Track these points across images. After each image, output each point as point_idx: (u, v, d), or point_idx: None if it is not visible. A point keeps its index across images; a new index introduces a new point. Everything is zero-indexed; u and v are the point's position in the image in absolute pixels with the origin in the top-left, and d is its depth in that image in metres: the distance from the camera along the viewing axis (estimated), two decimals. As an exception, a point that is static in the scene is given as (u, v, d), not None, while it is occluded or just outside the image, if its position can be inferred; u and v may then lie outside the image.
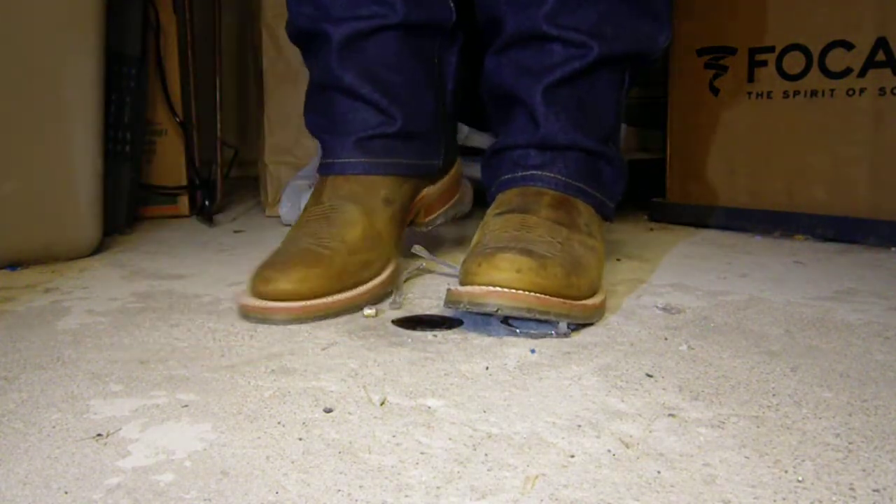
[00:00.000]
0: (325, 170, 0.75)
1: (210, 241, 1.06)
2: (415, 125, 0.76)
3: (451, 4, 0.77)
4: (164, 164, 1.27)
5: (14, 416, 0.44)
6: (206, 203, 1.27)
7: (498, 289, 0.55)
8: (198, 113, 1.30)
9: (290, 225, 1.18)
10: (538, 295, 0.56)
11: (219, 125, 1.32)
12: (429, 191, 0.81)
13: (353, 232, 0.69)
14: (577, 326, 0.59)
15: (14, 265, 0.87)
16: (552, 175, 0.69)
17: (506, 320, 0.60)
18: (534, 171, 0.69)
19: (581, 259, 0.62)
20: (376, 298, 0.68)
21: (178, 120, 1.25)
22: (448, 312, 0.64)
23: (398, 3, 0.73)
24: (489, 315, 0.59)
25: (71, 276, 0.82)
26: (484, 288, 0.56)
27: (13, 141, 0.84)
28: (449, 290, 0.58)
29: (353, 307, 0.65)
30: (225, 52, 1.40)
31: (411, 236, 0.87)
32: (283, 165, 1.28)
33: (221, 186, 1.33)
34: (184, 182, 1.29)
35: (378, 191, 0.73)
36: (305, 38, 0.77)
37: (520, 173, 0.70)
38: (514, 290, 0.56)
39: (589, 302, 0.60)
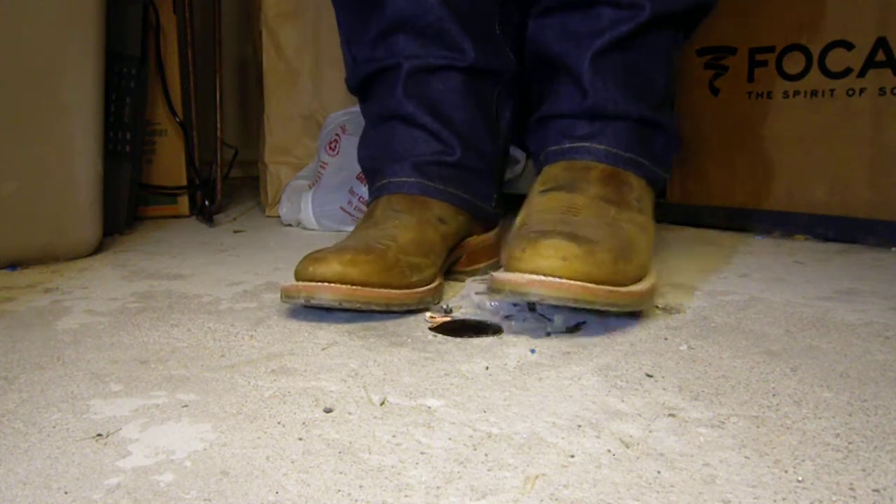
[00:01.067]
0: (377, 192, 0.75)
1: (210, 241, 1.06)
2: (471, 161, 0.76)
3: (512, 56, 0.79)
4: (164, 164, 1.27)
5: (14, 416, 0.44)
6: (206, 203, 1.27)
7: (542, 277, 0.53)
8: (198, 113, 1.30)
9: (290, 225, 1.18)
10: (584, 284, 0.53)
11: (219, 125, 1.32)
12: (477, 239, 0.79)
13: (406, 235, 0.67)
14: (578, 323, 0.59)
15: (14, 265, 0.87)
16: (601, 147, 0.65)
17: (532, 306, 0.59)
18: (581, 143, 0.66)
19: (630, 241, 0.59)
20: (423, 304, 0.66)
21: (178, 120, 1.25)
22: (485, 317, 0.63)
23: (468, 49, 0.74)
24: (532, 303, 0.58)
25: (71, 276, 0.82)
26: (527, 276, 0.53)
27: (13, 141, 0.84)
28: (492, 275, 0.56)
29: (399, 305, 0.63)
30: (225, 53, 1.40)
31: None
32: (283, 165, 1.28)
33: (221, 186, 1.33)
34: (184, 182, 1.29)
35: (433, 209, 0.72)
36: (371, 79, 0.78)
37: (567, 144, 0.67)
38: (558, 280, 0.53)
39: (636, 288, 0.57)
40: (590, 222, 0.58)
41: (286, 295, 0.62)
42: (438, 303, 0.68)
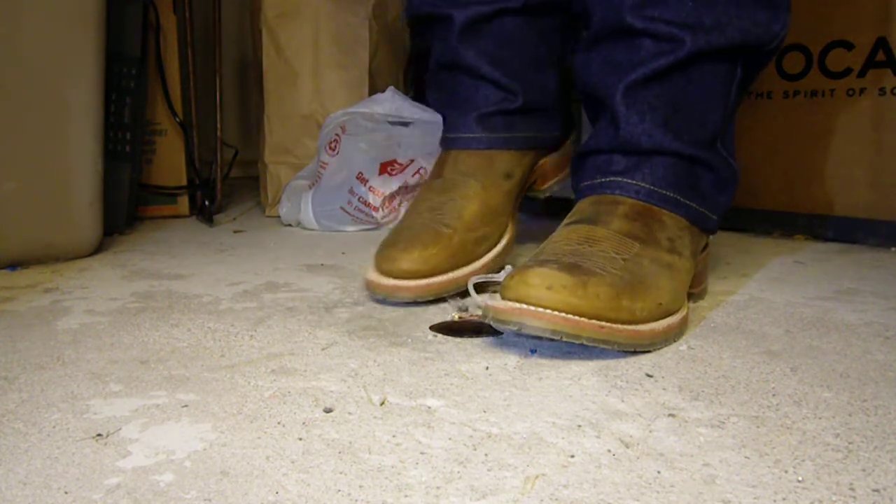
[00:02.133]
0: (447, 144, 0.79)
1: (210, 241, 1.06)
2: (535, 102, 0.79)
3: None
4: (164, 164, 1.27)
5: (14, 416, 0.44)
6: (206, 203, 1.27)
7: (523, 306, 0.51)
8: (198, 113, 1.30)
9: (290, 225, 1.18)
10: (567, 316, 0.51)
11: (219, 125, 1.32)
12: (546, 160, 0.83)
13: (470, 207, 0.72)
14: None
15: (14, 265, 0.87)
16: (633, 182, 0.62)
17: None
18: (614, 178, 0.63)
19: (646, 279, 0.56)
20: (492, 271, 0.71)
21: (178, 120, 1.25)
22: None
23: None
24: (517, 334, 0.57)
25: (71, 276, 0.82)
26: (510, 304, 0.52)
27: (13, 141, 0.84)
28: (485, 303, 0.55)
29: (465, 284, 0.67)
30: (225, 52, 1.40)
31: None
32: (283, 165, 1.28)
33: (221, 186, 1.33)
34: (184, 182, 1.29)
35: (498, 165, 0.76)
36: (426, 20, 0.80)
37: (599, 179, 0.64)
38: (539, 310, 0.51)
39: (643, 327, 0.54)
40: (603, 255, 0.56)
41: (369, 289, 0.69)
42: (504, 267, 0.68)
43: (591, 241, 0.57)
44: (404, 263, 0.66)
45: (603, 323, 0.52)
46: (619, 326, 0.53)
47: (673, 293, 0.58)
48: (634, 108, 0.63)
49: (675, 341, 0.57)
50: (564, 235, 0.59)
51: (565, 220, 0.63)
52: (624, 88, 0.63)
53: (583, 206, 0.63)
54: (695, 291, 0.67)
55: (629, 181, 0.63)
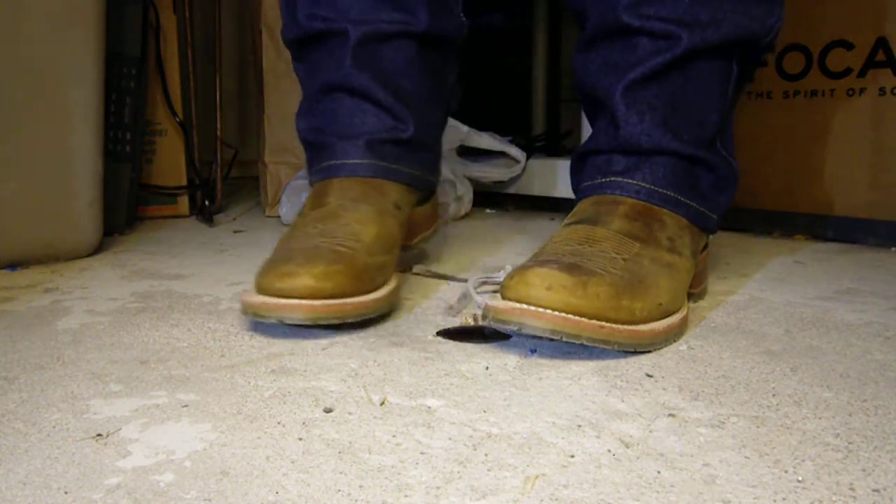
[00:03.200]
0: (328, 172, 0.70)
1: (210, 241, 1.06)
2: (423, 135, 0.74)
3: (464, 19, 0.77)
4: (164, 164, 1.27)
5: (14, 416, 0.44)
6: (206, 203, 1.27)
7: (523, 306, 0.51)
8: (198, 113, 1.30)
9: (290, 225, 1.18)
10: (567, 316, 0.51)
11: (219, 125, 1.32)
12: (418, 210, 0.76)
13: (369, 231, 0.64)
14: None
15: (14, 265, 0.87)
16: (634, 182, 0.62)
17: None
18: (614, 178, 0.63)
19: (645, 278, 0.55)
20: (393, 305, 0.65)
21: (178, 120, 1.25)
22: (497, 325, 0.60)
23: (422, 12, 0.71)
24: (517, 334, 0.57)
25: (71, 276, 0.82)
26: (510, 304, 0.52)
27: (13, 141, 0.84)
28: (486, 303, 0.54)
29: (373, 311, 0.61)
30: (225, 52, 1.40)
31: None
32: (283, 165, 1.28)
33: (221, 186, 1.33)
34: (184, 182, 1.29)
35: (390, 195, 0.70)
36: (312, 40, 0.73)
37: (599, 179, 0.64)
38: (539, 310, 0.51)
39: (643, 328, 0.54)
40: (605, 255, 0.56)
41: (253, 312, 0.57)
42: (397, 305, 0.66)
43: (591, 242, 0.57)
44: (305, 279, 0.56)
45: (603, 323, 0.52)
46: (619, 326, 0.53)
47: (673, 293, 0.57)
48: (634, 108, 0.63)
49: (675, 341, 0.57)
50: (564, 236, 0.59)
51: (565, 221, 0.63)
52: (623, 89, 0.63)
53: (583, 207, 0.63)
54: (695, 291, 0.67)
55: (629, 181, 0.62)
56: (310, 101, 0.75)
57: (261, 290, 0.58)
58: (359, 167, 0.70)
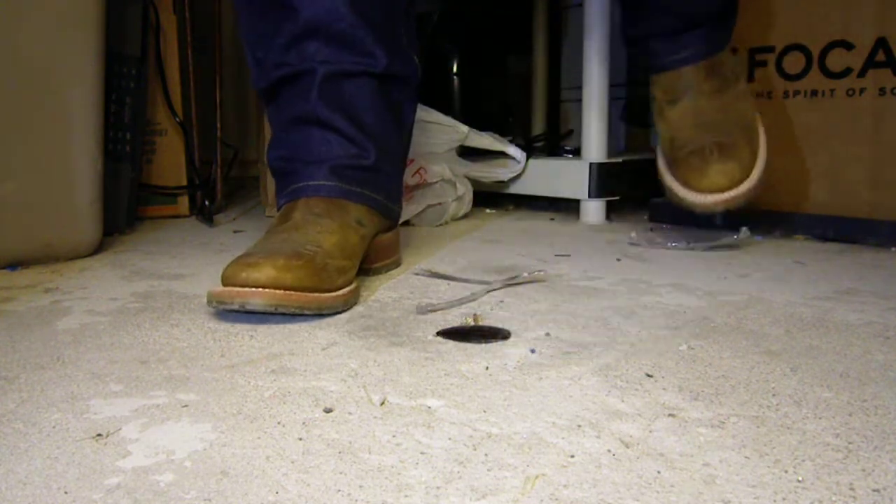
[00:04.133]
0: (293, 195, 0.75)
1: (210, 241, 1.06)
2: (385, 163, 0.79)
3: (418, 63, 0.82)
4: (164, 164, 1.27)
5: (14, 416, 0.44)
6: (206, 203, 1.27)
7: (719, 195, 0.89)
8: (198, 113, 1.30)
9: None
10: (738, 189, 0.88)
11: (219, 125, 1.32)
12: (381, 238, 0.80)
13: (330, 239, 0.69)
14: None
15: (14, 265, 0.87)
16: (694, 46, 0.93)
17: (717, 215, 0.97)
18: (674, 55, 0.94)
19: (748, 122, 0.95)
20: (348, 305, 0.67)
21: (178, 120, 1.25)
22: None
23: (381, 56, 0.76)
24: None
25: (71, 276, 0.82)
26: (721, 194, 0.88)
27: (13, 141, 0.84)
28: (673, 191, 0.89)
29: (329, 308, 0.65)
30: (225, 53, 1.40)
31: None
32: (283, 165, 1.28)
33: (221, 186, 1.33)
34: (184, 182, 1.29)
35: (351, 212, 0.74)
36: (282, 83, 0.78)
37: (665, 58, 0.95)
38: (731, 191, 0.86)
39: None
40: (721, 120, 0.86)
41: (217, 300, 0.62)
42: (355, 303, 0.69)
43: (715, 111, 0.91)
44: (268, 270, 0.61)
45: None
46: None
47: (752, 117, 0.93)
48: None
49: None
50: (705, 98, 0.92)
51: (665, 98, 0.94)
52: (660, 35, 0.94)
53: (686, 74, 0.93)
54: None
55: (685, 47, 0.93)
56: (279, 133, 0.80)
57: (225, 281, 0.62)
58: (322, 188, 0.74)
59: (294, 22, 0.75)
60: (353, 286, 0.69)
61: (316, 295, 0.63)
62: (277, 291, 0.61)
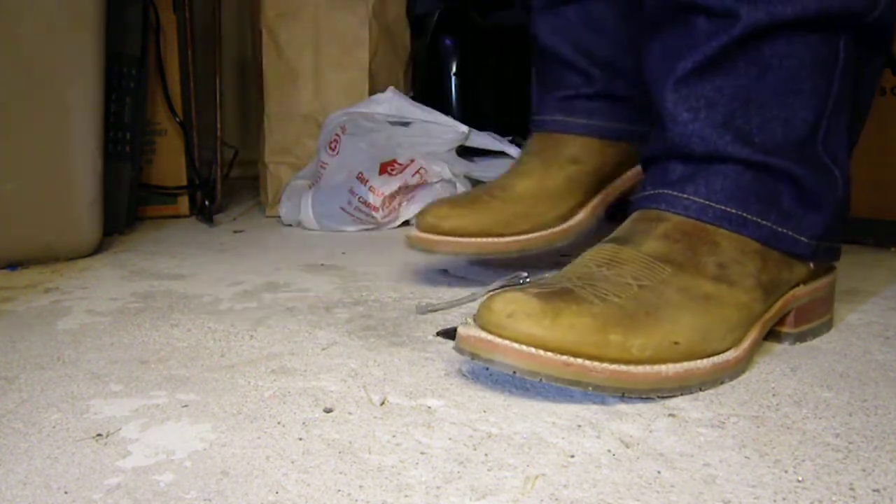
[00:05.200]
0: (530, 126, 0.78)
1: (210, 241, 1.06)
2: (620, 89, 0.75)
3: None
4: (164, 164, 1.27)
5: (14, 416, 0.44)
6: (206, 203, 1.27)
7: (482, 335, 0.45)
8: (198, 113, 1.30)
9: (290, 225, 1.18)
10: (523, 349, 0.44)
11: (219, 125, 1.32)
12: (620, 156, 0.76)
13: (523, 182, 0.71)
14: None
15: (14, 265, 0.87)
16: (684, 196, 0.53)
17: None
18: (664, 190, 0.54)
19: (658, 310, 0.47)
20: (534, 248, 0.72)
21: (178, 120, 1.25)
22: None
23: None
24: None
25: (71, 276, 0.82)
26: (473, 332, 0.46)
27: (13, 141, 0.84)
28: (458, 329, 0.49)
29: (510, 252, 0.69)
30: (225, 52, 1.40)
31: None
32: (283, 165, 1.28)
33: (221, 186, 1.33)
34: (184, 182, 1.29)
35: (566, 149, 0.74)
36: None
37: (649, 191, 0.55)
38: (493, 339, 0.44)
39: (639, 369, 0.45)
40: (616, 281, 0.48)
41: (408, 244, 0.71)
42: (566, 243, 0.73)
43: (613, 264, 0.50)
44: (429, 217, 0.69)
45: (570, 359, 0.44)
46: (597, 365, 0.44)
47: (702, 331, 0.48)
48: (685, 104, 0.53)
49: (707, 389, 0.47)
50: (589, 257, 0.52)
51: (603, 239, 0.56)
52: (675, 80, 0.54)
53: (626, 223, 0.55)
54: (789, 331, 0.56)
55: (679, 194, 0.53)
56: (534, 58, 0.81)
57: (417, 227, 0.72)
58: (545, 123, 0.76)
59: None
60: (545, 233, 0.74)
61: (495, 240, 0.72)
62: (458, 239, 0.71)
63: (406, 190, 1.14)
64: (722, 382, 0.48)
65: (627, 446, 0.40)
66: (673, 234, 0.52)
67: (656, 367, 0.46)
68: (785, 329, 0.56)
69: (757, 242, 0.52)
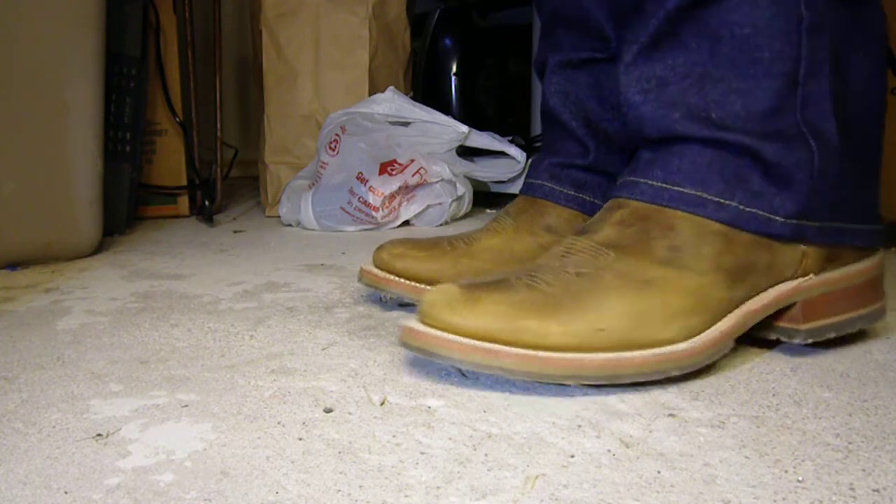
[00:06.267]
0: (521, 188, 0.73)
1: (210, 241, 1.06)
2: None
3: None
4: (164, 164, 1.27)
5: (14, 416, 0.44)
6: (206, 203, 1.27)
7: (414, 325, 0.47)
8: (198, 113, 1.30)
9: (290, 225, 1.18)
10: (440, 335, 0.45)
11: (219, 125, 1.32)
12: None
13: (490, 240, 0.66)
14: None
15: (14, 265, 0.87)
16: (643, 180, 0.51)
17: None
18: (629, 177, 0.53)
19: (586, 297, 0.46)
20: None
21: (178, 120, 1.25)
22: None
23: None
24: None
25: (71, 276, 0.82)
26: (404, 322, 0.48)
27: (13, 141, 0.84)
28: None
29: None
30: (225, 52, 1.40)
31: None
32: (283, 165, 1.28)
33: (221, 186, 1.33)
34: (184, 182, 1.29)
35: (545, 216, 0.67)
36: (539, 71, 0.74)
37: (619, 181, 0.54)
38: (416, 326, 0.47)
39: (557, 355, 0.45)
40: (557, 269, 0.48)
41: (362, 277, 0.68)
42: None
43: (566, 255, 0.50)
44: (383, 254, 0.66)
45: (481, 343, 0.45)
46: (504, 349, 0.45)
47: (634, 318, 0.46)
48: (636, 87, 0.52)
49: (644, 380, 0.46)
50: (551, 251, 0.53)
51: None
52: (625, 64, 0.52)
53: (597, 215, 0.54)
54: (797, 327, 0.52)
55: (638, 179, 0.52)
56: None
57: (373, 260, 0.67)
58: (531, 186, 0.70)
59: (543, 10, 0.70)
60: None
61: (413, 284, 0.66)
62: (381, 273, 0.67)
63: (406, 190, 1.14)
64: (668, 376, 0.47)
65: (627, 446, 0.40)
66: (628, 219, 0.50)
67: (577, 355, 0.45)
68: (787, 324, 0.52)
69: (719, 224, 0.49)
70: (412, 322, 0.48)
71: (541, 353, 0.45)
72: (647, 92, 0.51)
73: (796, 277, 0.52)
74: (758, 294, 0.50)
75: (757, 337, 0.54)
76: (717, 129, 0.49)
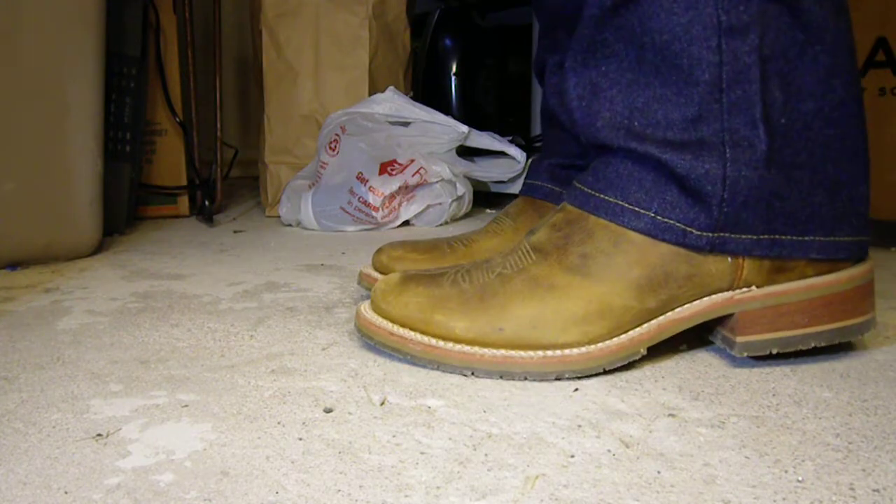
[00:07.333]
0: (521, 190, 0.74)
1: (210, 241, 1.06)
2: None
3: None
4: (164, 164, 1.27)
5: (14, 416, 0.44)
6: (206, 203, 1.27)
7: (361, 308, 0.55)
8: (198, 113, 1.30)
9: (290, 225, 1.18)
10: (372, 318, 0.53)
11: (219, 125, 1.32)
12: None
13: (489, 241, 0.68)
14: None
15: (14, 265, 0.87)
16: (578, 185, 0.53)
17: None
18: (574, 182, 0.55)
19: (493, 297, 0.50)
20: None
21: (178, 120, 1.25)
22: None
23: None
24: None
25: (71, 276, 0.82)
26: (357, 307, 0.56)
27: (13, 141, 0.84)
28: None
29: None
30: (225, 53, 1.40)
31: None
32: (283, 165, 1.28)
33: (221, 186, 1.33)
34: (184, 182, 1.29)
35: (545, 217, 0.62)
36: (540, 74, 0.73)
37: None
38: (362, 311, 0.55)
39: (456, 348, 0.50)
40: (486, 269, 0.52)
41: (361, 280, 0.70)
42: None
43: (511, 253, 0.53)
44: (383, 256, 0.68)
45: (397, 329, 0.51)
46: (415, 336, 0.50)
47: (532, 321, 0.49)
48: (575, 91, 0.52)
49: (533, 379, 0.49)
50: (509, 249, 0.56)
51: None
52: (569, 68, 0.53)
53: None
54: (732, 337, 0.51)
55: (576, 185, 0.53)
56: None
57: (372, 263, 0.69)
58: (530, 187, 0.72)
59: (543, 13, 0.71)
60: None
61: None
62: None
63: (406, 190, 1.14)
64: (559, 378, 0.49)
65: (627, 446, 0.40)
66: (559, 223, 0.52)
67: (475, 349, 0.49)
68: (727, 333, 0.52)
69: (636, 233, 0.49)
70: (363, 305, 0.55)
71: (442, 344, 0.50)
72: (582, 98, 0.52)
73: (734, 288, 0.50)
74: (681, 304, 0.50)
75: (707, 340, 0.55)
76: (634, 140, 0.49)
